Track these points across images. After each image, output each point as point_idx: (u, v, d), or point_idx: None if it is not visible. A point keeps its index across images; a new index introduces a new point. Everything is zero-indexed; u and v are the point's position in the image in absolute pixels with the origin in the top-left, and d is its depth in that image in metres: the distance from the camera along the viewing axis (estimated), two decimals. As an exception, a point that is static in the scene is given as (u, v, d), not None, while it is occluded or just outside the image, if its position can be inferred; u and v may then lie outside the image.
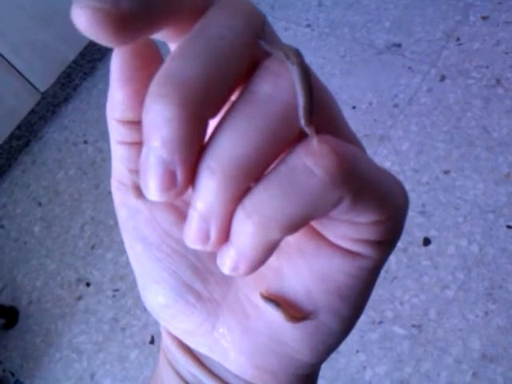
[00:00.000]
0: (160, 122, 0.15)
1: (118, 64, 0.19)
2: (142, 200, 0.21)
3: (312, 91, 0.16)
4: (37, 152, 1.89)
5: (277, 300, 0.20)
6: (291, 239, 0.20)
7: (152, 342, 1.36)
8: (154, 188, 0.16)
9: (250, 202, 0.16)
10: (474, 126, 1.28)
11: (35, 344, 1.50)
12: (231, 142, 0.16)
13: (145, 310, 1.40)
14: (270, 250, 0.17)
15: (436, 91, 1.38)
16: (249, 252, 0.16)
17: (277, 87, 0.16)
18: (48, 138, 1.91)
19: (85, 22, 0.15)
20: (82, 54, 1.91)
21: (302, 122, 0.16)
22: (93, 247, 1.58)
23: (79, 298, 1.51)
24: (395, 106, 1.41)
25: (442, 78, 1.39)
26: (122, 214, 0.22)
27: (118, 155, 0.21)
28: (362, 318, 1.15)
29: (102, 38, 0.15)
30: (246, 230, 0.16)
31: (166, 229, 0.21)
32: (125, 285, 1.47)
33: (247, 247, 0.16)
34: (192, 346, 0.23)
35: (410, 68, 1.45)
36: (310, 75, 0.17)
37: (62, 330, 1.48)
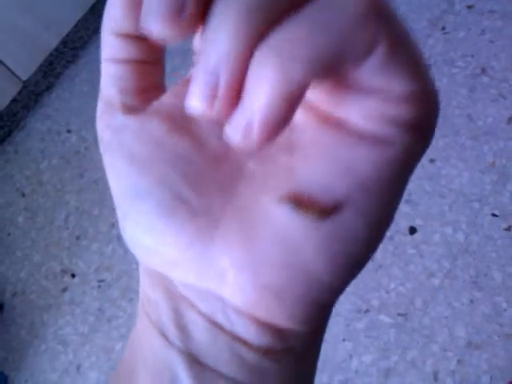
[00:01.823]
0: None
1: None
2: (130, 116, 0.20)
3: None
4: (19, 142, 1.87)
5: (295, 199, 0.17)
6: (307, 136, 0.18)
7: (138, 332, 1.35)
8: (155, 19, 0.14)
9: (267, 42, 0.14)
10: (459, 114, 1.28)
11: (20, 336, 1.48)
12: None
13: (130, 300, 1.39)
14: (290, 103, 0.14)
15: (422, 80, 1.38)
16: (266, 104, 0.14)
17: None
18: (31, 128, 1.88)
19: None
20: (64, 42, 1.88)
21: None
22: (77, 238, 1.57)
23: (64, 289, 1.50)
24: (381, 94, 1.41)
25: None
26: (106, 136, 0.20)
27: (109, 74, 0.20)
28: (348, 307, 1.15)
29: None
30: (264, 75, 0.14)
31: (157, 138, 0.19)
32: (110, 275, 1.46)
33: (264, 97, 0.14)
34: (178, 276, 0.19)
35: (395, 57, 1.45)
36: None
37: (47, 321, 1.47)
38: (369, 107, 0.17)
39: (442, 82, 1.35)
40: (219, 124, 0.19)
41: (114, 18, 0.18)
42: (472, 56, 1.36)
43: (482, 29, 1.38)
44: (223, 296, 0.18)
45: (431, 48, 1.42)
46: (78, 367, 1.37)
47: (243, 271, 0.18)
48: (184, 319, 0.19)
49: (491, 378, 1.00)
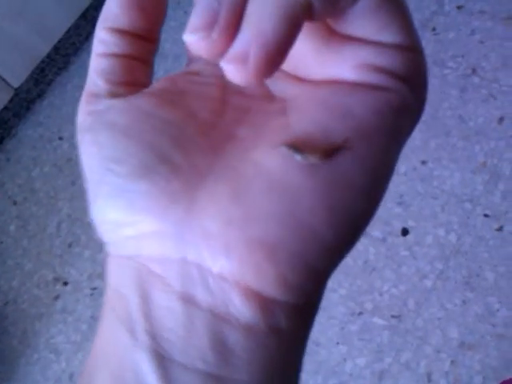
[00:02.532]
0: None
1: None
2: (117, 98, 0.20)
3: None
4: (11, 150, 1.86)
5: (293, 144, 0.16)
6: (300, 100, 0.18)
7: (131, 339, 1.34)
8: None
9: None
10: (450, 115, 1.28)
11: (12, 346, 1.47)
12: None
13: (124, 307, 1.38)
14: (291, 28, 0.14)
15: (412, 81, 1.38)
16: (266, 26, 0.14)
17: None
18: (22, 135, 1.87)
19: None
20: (55, 49, 1.88)
21: None
22: (70, 245, 1.56)
23: (56, 297, 1.49)
24: (372, 96, 1.40)
25: (418, 68, 1.39)
26: (87, 122, 0.19)
27: (98, 68, 0.20)
28: (342, 310, 1.15)
29: None
30: None
31: (145, 110, 0.19)
32: (103, 283, 1.45)
33: (266, 19, 0.14)
34: (154, 250, 0.17)
35: (386, 58, 1.45)
36: None
37: (40, 330, 1.46)
38: (359, 58, 0.17)
39: (432, 83, 1.35)
40: (213, 99, 0.20)
41: (111, 14, 0.19)
42: (462, 56, 1.36)
43: (472, 29, 1.38)
44: (204, 263, 0.16)
45: (421, 49, 1.42)
46: (71, 376, 1.35)
47: (230, 225, 0.16)
48: (155, 307, 0.17)
49: (484, 378, 1.00)
